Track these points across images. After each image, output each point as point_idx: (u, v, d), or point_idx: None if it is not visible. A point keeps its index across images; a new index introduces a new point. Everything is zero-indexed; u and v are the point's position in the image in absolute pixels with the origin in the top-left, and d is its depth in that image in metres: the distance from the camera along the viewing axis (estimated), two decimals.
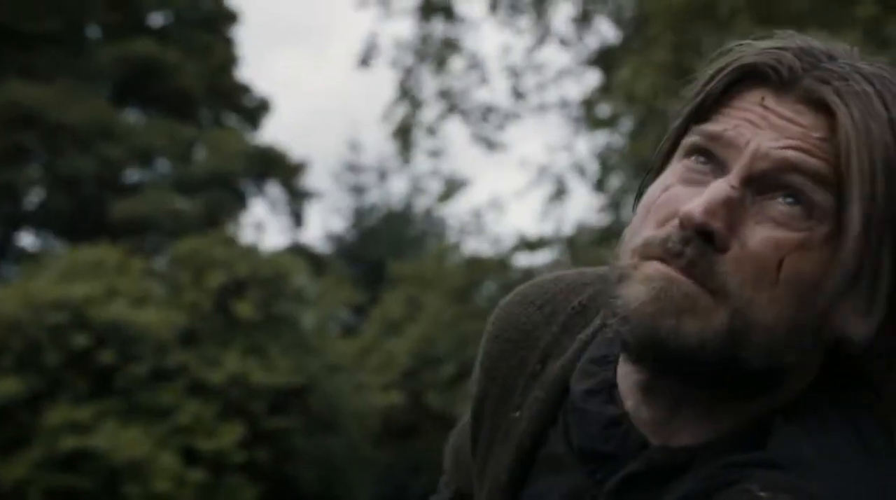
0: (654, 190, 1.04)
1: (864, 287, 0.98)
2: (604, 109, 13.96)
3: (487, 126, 15.33)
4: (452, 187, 16.08)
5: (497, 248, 15.87)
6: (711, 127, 1.01)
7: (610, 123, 13.94)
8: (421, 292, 20.32)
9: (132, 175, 26.35)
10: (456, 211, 45.15)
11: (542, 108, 15.41)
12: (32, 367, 17.99)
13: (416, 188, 29.89)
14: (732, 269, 0.96)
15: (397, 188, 41.92)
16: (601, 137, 14.89)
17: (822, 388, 1.03)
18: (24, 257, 24.84)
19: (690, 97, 1.05)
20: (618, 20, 14.27)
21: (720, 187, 0.98)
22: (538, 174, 14.96)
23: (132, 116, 26.94)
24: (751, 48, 1.03)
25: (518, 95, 15.42)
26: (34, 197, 26.02)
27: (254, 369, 18.94)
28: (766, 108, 1.00)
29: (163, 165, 26.30)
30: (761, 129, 0.99)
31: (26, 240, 26.71)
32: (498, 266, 15.68)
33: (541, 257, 15.58)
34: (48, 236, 26.43)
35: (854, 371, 1.02)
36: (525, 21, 14.82)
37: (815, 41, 1.03)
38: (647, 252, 0.99)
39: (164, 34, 26.53)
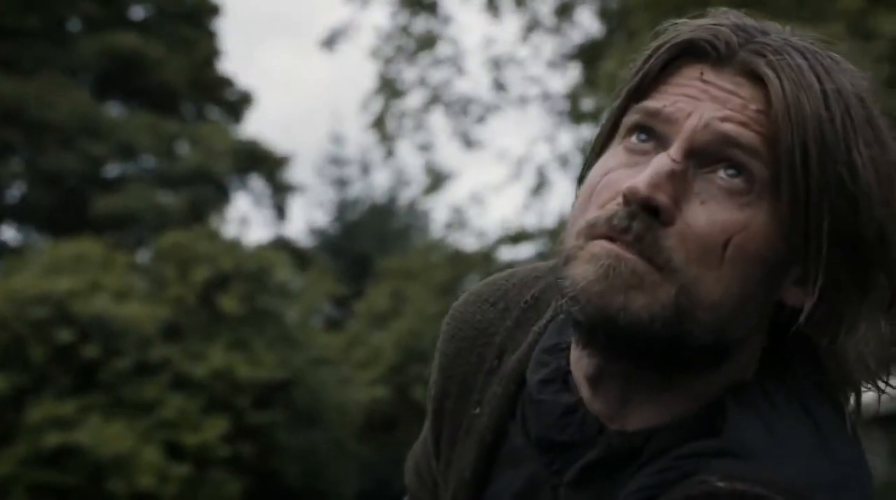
0: (595, 173, 1.04)
1: (804, 258, 0.99)
2: (587, 103, 13.97)
3: (468, 119, 15.35)
4: (438, 180, 16.08)
5: (481, 241, 15.89)
6: (651, 103, 1.02)
7: (594, 116, 13.95)
8: (406, 285, 20.32)
9: (114, 170, 26.26)
10: (440, 204, 45.20)
11: (522, 100, 15.43)
12: (16, 362, 17.93)
13: (400, 181, 30.01)
14: (678, 244, 0.97)
15: (380, 181, 41.92)
16: (585, 131, 14.91)
17: (769, 363, 1.03)
18: (5, 251, 24.73)
19: (629, 77, 1.06)
20: (602, 13, 14.28)
21: (663, 161, 0.98)
22: (517, 167, 14.99)
23: (114, 110, 26.84)
24: (687, 26, 1.04)
25: (499, 86, 15.42)
26: (16, 191, 25.93)
27: (238, 364, 18.91)
28: (705, 82, 1.01)
29: (146, 160, 26.22)
30: (701, 102, 1.00)
31: (8, 234, 26.63)
32: (482, 260, 15.70)
33: (524, 251, 15.60)
34: (30, 231, 26.33)
35: (799, 344, 1.03)
36: (507, 13, 14.82)
37: (747, 18, 1.04)
38: (593, 232, 0.99)
39: (146, 27, 26.43)
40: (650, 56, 1.04)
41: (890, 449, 7.00)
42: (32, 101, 23.66)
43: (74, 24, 26.32)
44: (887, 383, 1.06)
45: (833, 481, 0.95)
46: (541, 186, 15.03)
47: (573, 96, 14.57)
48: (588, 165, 1.07)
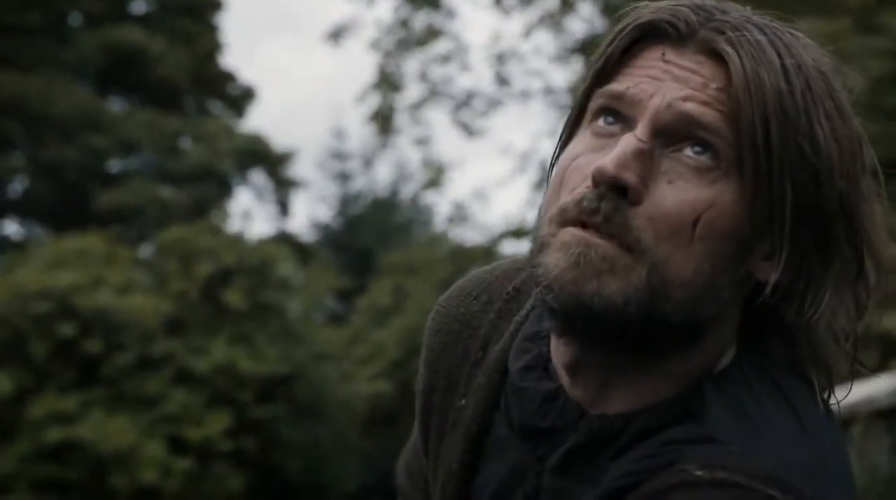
0: (564, 159, 1.06)
1: (770, 233, 1.00)
2: None
3: (469, 112, 15.38)
4: (437, 175, 16.12)
5: (484, 236, 15.92)
6: (614, 86, 1.03)
7: None
8: (408, 280, 20.33)
9: (116, 165, 26.27)
10: (442, 199, 45.21)
11: (524, 95, 15.45)
12: (18, 358, 17.93)
13: (402, 175, 30.03)
14: (647, 224, 0.97)
15: (383, 175, 41.93)
16: None
17: (745, 342, 1.04)
18: (7, 246, 24.75)
19: (593, 61, 1.07)
20: (605, 8, 14.29)
21: (629, 141, 0.99)
22: (521, 162, 15.03)
23: (116, 105, 26.84)
24: (647, 8, 1.04)
25: (502, 81, 15.45)
26: (18, 185, 25.94)
27: (241, 358, 18.93)
28: (667, 62, 1.01)
29: (148, 155, 26.22)
30: (663, 82, 1.00)
31: (10, 229, 26.65)
32: (484, 254, 15.73)
33: (527, 246, 15.62)
34: (32, 225, 26.34)
35: (772, 321, 1.04)
36: (513, 9, 14.83)
37: None
38: (564, 217, 1.01)
39: (148, 21, 26.42)
40: (612, 40, 1.05)
41: (892, 443, 6.99)
42: (34, 96, 23.66)
43: (75, 19, 26.32)
44: (856, 359, 1.06)
45: (812, 465, 0.96)
46: (544, 181, 15.04)
47: (576, 90, 14.58)
48: (558, 151, 1.08)
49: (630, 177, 0.97)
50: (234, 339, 19.18)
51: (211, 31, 27.33)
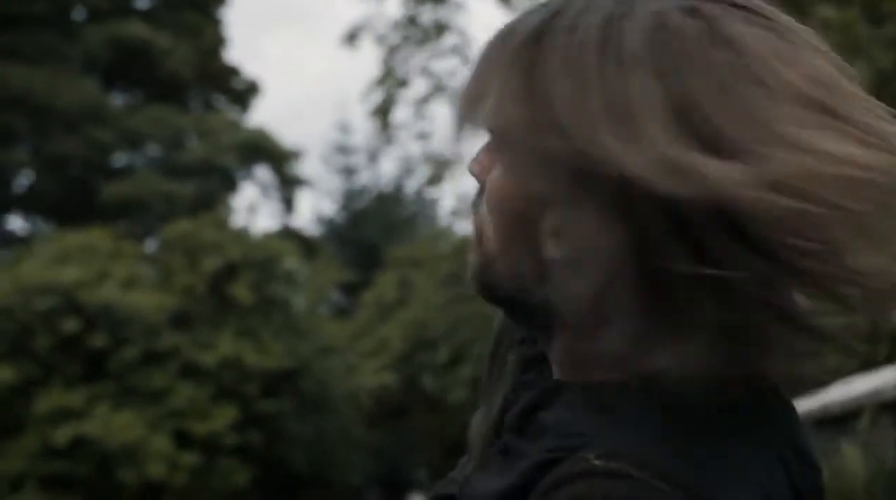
0: None
1: (546, 207, 0.99)
2: None
3: None
4: (440, 169, 16.13)
5: None
6: None
7: None
8: (413, 274, 20.32)
9: (121, 158, 26.30)
10: (447, 192, 45.23)
11: None
12: (24, 353, 17.97)
13: (407, 170, 30.04)
14: (485, 208, 1.06)
15: (387, 170, 41.97)
16: None
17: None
18: (13, 241, 24.79)
19: None
20: None
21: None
22: None
23: (120, 99, 26.87)
24: None
25: None
26: (23, 179, 25.98)
27: (246, 352, 18.96)
28: None
29: (152, 149, 26.25)
30: None
31: (15, 223, 26.68)
32: None
33: None
34: (37, 220, 26.38)
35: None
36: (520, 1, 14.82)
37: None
38: None
39: (152, 15, 26.45)
40: None
41: None
42: (39, 89, 23.69)
43: (79, 13, 26.33)
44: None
45: (707, 459, 0.94)
46: None
47: None
48: None
49: (474, 169, 1.07)
50: (240, 333, 19.22)
51: (215, 25, 27.34)
